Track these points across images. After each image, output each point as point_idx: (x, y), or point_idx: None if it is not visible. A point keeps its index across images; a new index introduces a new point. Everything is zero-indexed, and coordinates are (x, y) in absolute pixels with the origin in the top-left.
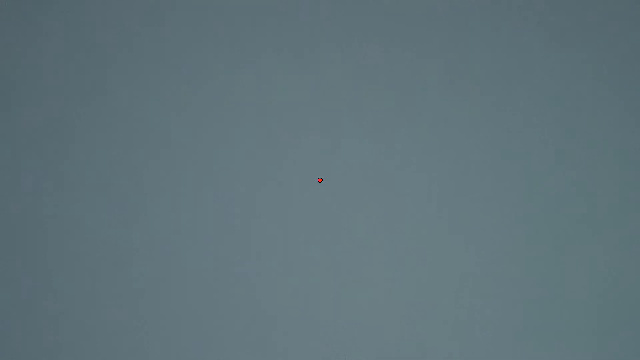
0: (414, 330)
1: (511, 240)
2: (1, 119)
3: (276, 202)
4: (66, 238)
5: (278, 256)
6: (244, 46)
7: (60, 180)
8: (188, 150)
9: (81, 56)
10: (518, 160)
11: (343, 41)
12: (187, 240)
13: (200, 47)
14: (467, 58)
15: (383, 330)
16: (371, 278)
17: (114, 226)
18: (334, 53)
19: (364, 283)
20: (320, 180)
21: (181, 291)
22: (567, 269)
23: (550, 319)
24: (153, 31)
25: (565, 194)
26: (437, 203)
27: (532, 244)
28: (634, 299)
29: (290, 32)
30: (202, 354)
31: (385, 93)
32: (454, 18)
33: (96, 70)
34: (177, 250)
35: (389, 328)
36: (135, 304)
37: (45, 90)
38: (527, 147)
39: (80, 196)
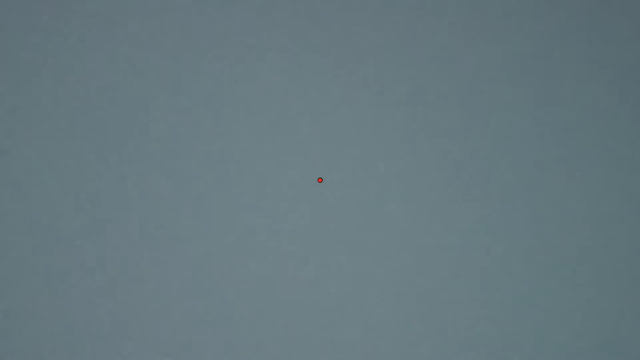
0: (413, 329)
1: (511, 240)
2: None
3: (276, 202)
4: (66, 238)
5: (278, 256)
6: (245, 46)
7: (61, 179)
8: (188, 150)
9: (80, 54)
10: (518, 160)
11: (345, 41)
12: (187, 240)
13: (201, 46)
14: (467, 58)
15: (382, 330)
16: (371, 277)
17: (111, 226)
18: (335, 53)
19: (363, 282)
20: (320, 180)
21: (180, 292)
22: (565, 269)
23: (548, 320)
24: (151, 30)
25: (564, 194)
26: (437, 202)
27: (530, 244)
28: (634, 299)
29: (291, 32)
30: (203, 354)
31: (386, 93)
32: (454, 18)
33: (94, 69)
34: (176, 250)
35: (389, 327)
36: (132, 304)
37: (46, 90)
38: (528, 148)
39: (78, 197)
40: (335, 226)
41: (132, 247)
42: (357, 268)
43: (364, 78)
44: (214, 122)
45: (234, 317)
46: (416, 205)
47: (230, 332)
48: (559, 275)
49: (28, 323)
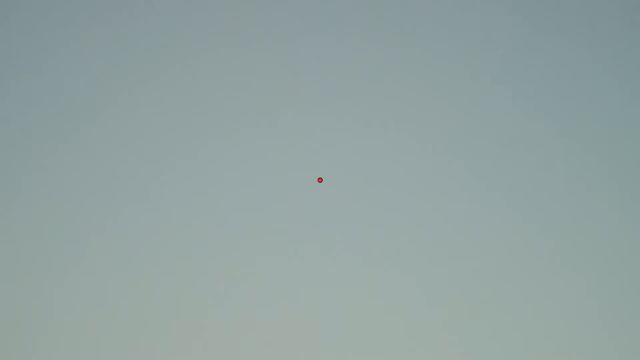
0: (414, 331)
1: (512, 241)
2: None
3: (276, 202)
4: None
5: (277, 256)
6: (242, 44)
7: (59, 180)
8: (186, 150)
9: (78, 56)
10: (518, 160)
11: (344, 40)
12: (186, 241)
13: (197, 45)
14: (466, 56)
15: (382, 332)
16: (371, 278)
17: (108, 226)
18: (334, 52)
19: (363, 283)
20: (320, 180)
21: (179, 292)
22: (566, 270)
23: (548, 322)
24: (147, 31)
25: (563, 195)
26: (438, 203)
27: (535, 246)
28: (633, 299)
29: (290, 31)
30: (202, 355)
31: (386, 93)
32: (453, 15)
33: (89, 70)
34: (175, 250)
35: (389, 329)
36: (130, 304)
37: (45, 93)
38: (528, 148)
39: (74, 198)
40: (335, 226)
41: (131, 248)
42: (358, 268)
43: (366, 77)
44: (213, 122)
45: (231, 318)
46: (417, 205)
47: (228, 333)
48: (566, 278)
49: (28, 322)
